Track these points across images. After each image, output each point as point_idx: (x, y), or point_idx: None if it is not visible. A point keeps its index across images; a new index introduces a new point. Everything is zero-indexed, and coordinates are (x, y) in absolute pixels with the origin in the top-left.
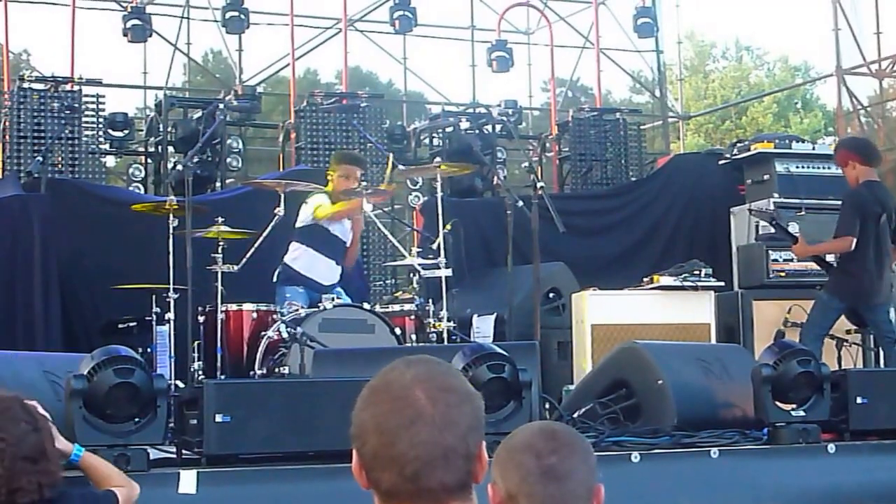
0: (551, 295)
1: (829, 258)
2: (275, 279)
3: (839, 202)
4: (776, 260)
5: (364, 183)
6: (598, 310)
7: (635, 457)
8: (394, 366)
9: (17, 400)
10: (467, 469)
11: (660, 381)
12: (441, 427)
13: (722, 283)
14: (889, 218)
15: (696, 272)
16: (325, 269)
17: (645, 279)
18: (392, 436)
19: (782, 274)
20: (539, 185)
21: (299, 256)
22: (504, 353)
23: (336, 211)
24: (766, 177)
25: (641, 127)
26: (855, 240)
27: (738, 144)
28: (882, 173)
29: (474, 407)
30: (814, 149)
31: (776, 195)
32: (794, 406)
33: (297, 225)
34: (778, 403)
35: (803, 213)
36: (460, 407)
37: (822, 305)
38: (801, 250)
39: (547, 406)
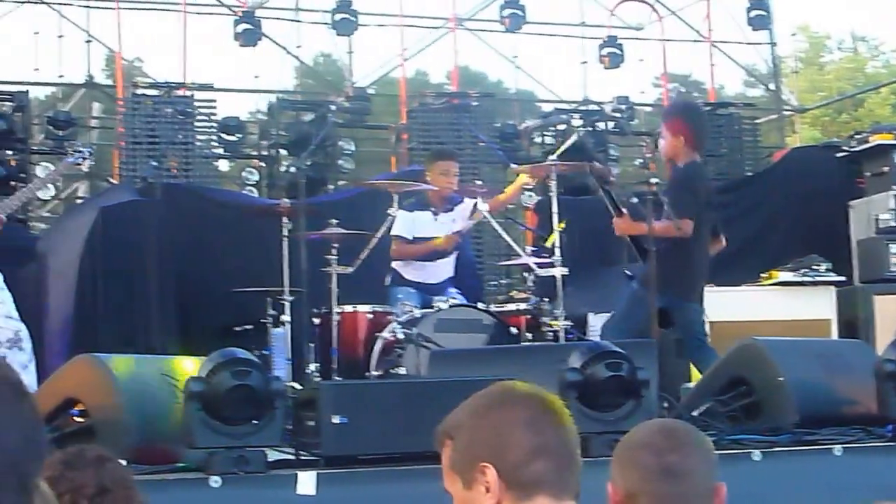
0: None
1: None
2: (387, 283)
3: None
4: None
5: (479, 182)
6: (716, 307)
7: (756, 455)
8: (497, 384)
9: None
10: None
11: (780, 379)
12: (570, 421)
13: (842, 278)
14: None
15: (816, 267)
16: (433, 272)
17: (763, 275)
18: (540, 424)
19: None
20: (653, 181)
21: (405, 264)
22: (621, 351)
23: (410, 253)
24: (885, 169)
25: (756, 121)
26: (693, 223)
27: (856, 136)
28: None
29: None
30: None
31: None
32: None
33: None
34: None
35: None
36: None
37: (633, 298)
38: (626, 227)
39: (665, 404)
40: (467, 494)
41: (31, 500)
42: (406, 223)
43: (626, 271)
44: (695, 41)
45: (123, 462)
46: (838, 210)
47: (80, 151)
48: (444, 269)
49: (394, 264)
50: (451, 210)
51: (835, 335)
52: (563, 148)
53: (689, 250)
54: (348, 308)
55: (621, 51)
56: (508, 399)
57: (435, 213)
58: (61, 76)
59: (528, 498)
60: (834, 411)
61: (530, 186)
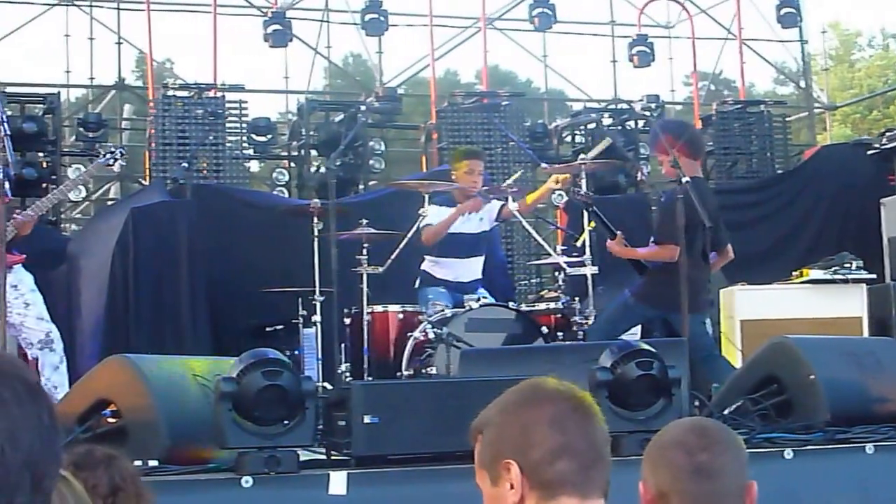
0: None
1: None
2: (416, 286)
3: None
4: None
5: (510, 181)
6: (747, 305)
7: (788, 453)
8: (530, 381)
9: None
10: (610, 470)
11: (811, 377)
12: (599, 420)
13: (873, 276)
14: (713, 222)
15: (847, 265)
16: (462, 270)
17: (794, 273)
18: (566, 423)
19: None
20: (683, 179)
21: (435, 263)
22: (652, 350)
23: (441, 226)
24: None
25: (786, 119)
26: (679, 249)
27: (888, 134)
28: None
29: None
30: None
31: None
32: None
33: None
34: None
35: None
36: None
37: (623, 307)
38: (619, 251)
39: (696, 403)
40: (494, 491)
41: (48, 500)
42: (436, 216)
43: (627, 290)
44: (725, 39)
45: (155, 462)
46: (870, 207)
47: (111, 153)
48: (474, 268)
49: (423, 265)
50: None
51: (866, 333)
52: (594, 152)
53: (680, 268)
54: (379, 308)
55: (651, 49)
56: (536, 397)
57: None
58: (92, 78)
59: (553, 497)
60: (866, 409)
61: (559, 188)
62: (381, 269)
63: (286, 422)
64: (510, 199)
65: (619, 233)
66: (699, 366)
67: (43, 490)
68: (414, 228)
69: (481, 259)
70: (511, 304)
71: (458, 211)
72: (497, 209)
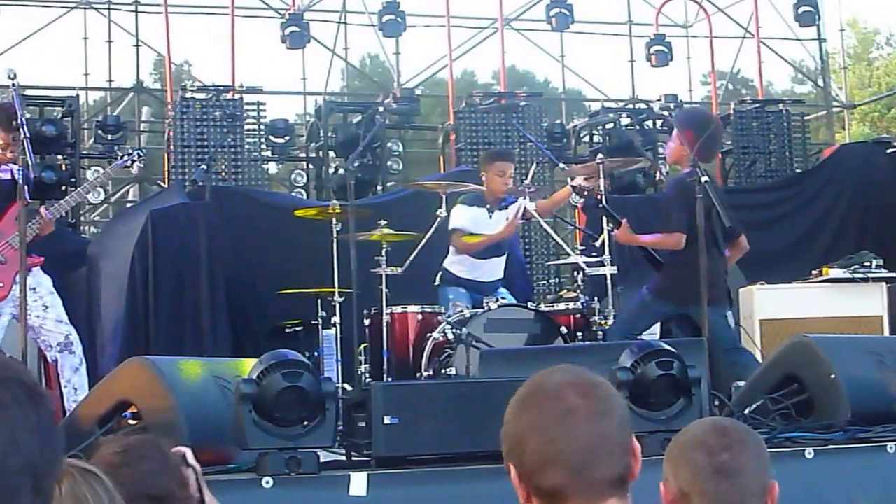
0: None
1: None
2: (436, 282)
3: None
4: None
5: (527, 181)
6: (766, 304)
7: (809, 453)
8: (537, 376)
9: (152, 441)
10: (625, 462)
11: (832, 376)
12: (596, 418)
13: (893, 275)
14: (721, 213)
15: (867, 263)
16: (485, 270)
17: (814, 272)
18: (552, 432)
19: None
20: (703, 179)
21: (458, 260)
22: (672, 349)
23: (483, 242)
24: None
25: (805, 117)
26: (685, 237)
27: None
28: None
29: (622, 400)
30: None
31: None
32: None
33: (450, 228)
34: None
35: None
36: (610, 399)
37: (641, 304)
38: (625, 237)
39: (717, 403)
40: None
41: (48, 502)
42: (465, 216)
43: (644, 287)
44: (743, 38)
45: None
46: (889, 205)
47: (129, 155)
48: (496, 268)
49: (445, 263)
50: (506, 208)
51: (887, 332)
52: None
53: (692, 258)
54: (398, 309)
55: (669, 49)
56: (532, 400)
57: (490, 211)
58: (110, 81)
59: None
60: (887, 408)
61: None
62: (400, 270)
63: (306, 423)
64: (527, 198)
65: (623, 220)
66: (721, 359)
67: (43, 492)
68: (433, 228)
69: (503, 259)
70: (530, 304)
71: (506, 230)
72: (522, 208)
